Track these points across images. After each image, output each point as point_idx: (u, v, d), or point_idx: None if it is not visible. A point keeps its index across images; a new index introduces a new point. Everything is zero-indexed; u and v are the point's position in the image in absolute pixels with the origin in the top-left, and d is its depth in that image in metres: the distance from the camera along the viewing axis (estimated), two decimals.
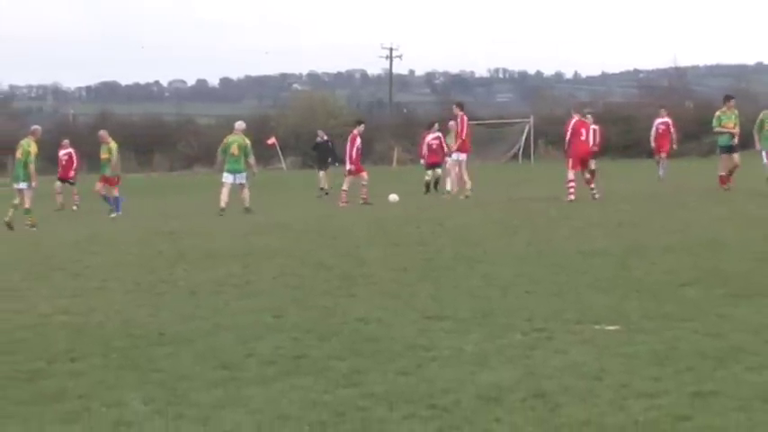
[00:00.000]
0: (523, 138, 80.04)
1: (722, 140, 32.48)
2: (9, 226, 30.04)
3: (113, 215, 34.79)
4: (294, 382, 9.81)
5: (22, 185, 31.48)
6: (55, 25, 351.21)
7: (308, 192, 44.68)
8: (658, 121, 42.90)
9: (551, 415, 8.45)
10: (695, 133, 70.57)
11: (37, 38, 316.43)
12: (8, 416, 9.02)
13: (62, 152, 44.51)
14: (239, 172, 33.57)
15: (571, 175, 30.47)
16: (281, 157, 76.24)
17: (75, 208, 41.68)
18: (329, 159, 47.34)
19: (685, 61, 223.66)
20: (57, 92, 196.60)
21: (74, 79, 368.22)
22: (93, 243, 22.68)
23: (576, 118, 31.64)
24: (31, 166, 31.58)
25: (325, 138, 48.58)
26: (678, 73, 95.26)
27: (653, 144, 42.69)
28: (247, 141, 34.16)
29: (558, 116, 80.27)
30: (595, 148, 43.42)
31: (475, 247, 19.24)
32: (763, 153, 29.75)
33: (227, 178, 33.70)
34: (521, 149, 79.72)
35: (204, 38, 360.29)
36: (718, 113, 32.96)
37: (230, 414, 8.83)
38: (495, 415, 8.48)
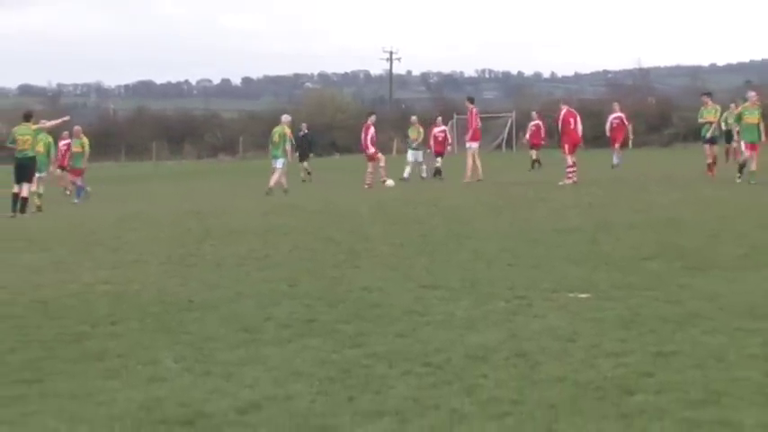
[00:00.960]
0: (506, 130, 79.89)
1: (702, 131, 32.34)
2: (39, 209, 29.94)
3: (76, 201, 34.64)
4: (306, 343, 9.81)
5: (43, 174, 31.63)
6: (97, 31, 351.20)
7: (317, 176, 44.45)
8: (612, 115, 40.65)
9: (531, 372, 8.44)
10: (657, 126, 70.64)
11: (82, 42, 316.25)
12: (57, 372, 9.01)
13: (62, 143, 41.71)
14: (277, 158, 33.64)
15: (569, 160, 30.43)
16: (295, 146, 76.14)
17: (68, 193, 39.37)
18: (309, 152, 46.12)
19: (648, 62, 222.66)
20: (99, 89, 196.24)
21: (114, 78, 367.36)
22: (131, 221, 22.66)
23: (564, 109, 31.54)
24: (53, 157, 31.81)
25: (306, 131, 46.68)
26: (642, 73, 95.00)
27: (609, 135, 40.28)
28: (287, 131, 34.31)
29: (536, 111, 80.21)
30: (542, 142, 43.03)
31: (464, 226, 19.22)
32: (742, 143, 29.57)
33: (273, 163, 33.84)
34: (504, 140, 79.56)
35: (228, 43, 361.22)
36: (701, 108, 32.69)
37: (251, 371, 8.82)
38: (481, 371, 8.47)
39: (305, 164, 44.54)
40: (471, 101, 36.32)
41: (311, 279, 13.67)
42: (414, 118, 41.44)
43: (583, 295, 11.78)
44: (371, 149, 34.95)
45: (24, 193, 27.68)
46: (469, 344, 9.50)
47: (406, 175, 38.96)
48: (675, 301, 11.23)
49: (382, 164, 35.00)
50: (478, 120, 35.18)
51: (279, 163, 33.63)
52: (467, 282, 12.95)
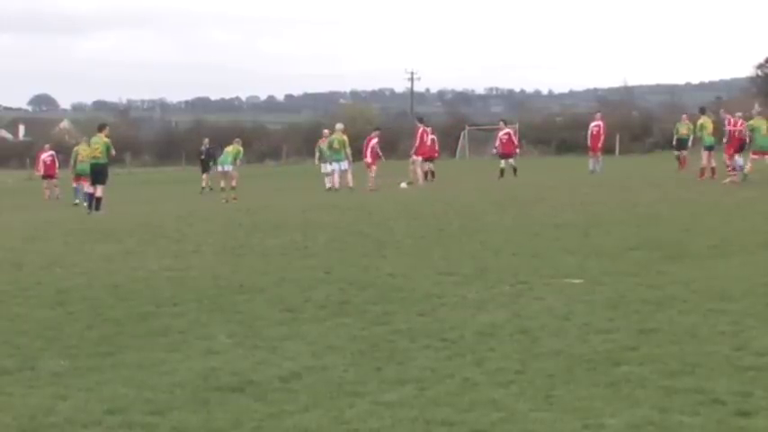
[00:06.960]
0: None
1: (707, 140, 29.96)
2: (227, 201, 30.61)
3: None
4: (340, 321, 9.82)
5: (228, 168, 33.19)
6: (161, 55, 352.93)
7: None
8: (593, 123, 37.40)
9: (532, 346, 8.44)
10: (639, 136, 70.51)
11: (148, 64, 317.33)
12: (126, 346, 9.06)
13: (45, 155, 40.08)
14: (340, 161, 33.16)
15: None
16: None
17: (58, 198, 37.79)
18: (210, 163, 40.90)
19: (633, 81, 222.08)
20: (163, 105, 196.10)
21: (175, 95, 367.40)
22: (190, 217, 22.67)
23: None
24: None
25: (208, 145, 42.96)
26: (627, 91, 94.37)
27: (589, 143, 37.06)
28: (344, 138, 33.60)
29: (536, 123, 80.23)
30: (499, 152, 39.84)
31: (475, 221, 19.18)
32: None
33: (334, 166, 33.26)
34: None
35: (273, 65, 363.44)
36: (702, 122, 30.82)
37: (292, 345, 8.84)
38: (489, 346, 8.47)
39: (204, 175, 40.66)
40: (420, 120, 35.59)
41: (344, 267, 13.67)
42: (326, 131, 36.85)
43: (576, 281, 11.75)
44: (369, 159, 33.79)
45: (98, 193, 27.67)
46: (479, 322, 9.51)
47: (328, 185, 34.36)
48: (655, 285, 11.20)
49: (372, 174, 33.30)
50: (426, 137, 34.09)
51: (345, 165, 33.07)
52: (477, 269, 12.93)
